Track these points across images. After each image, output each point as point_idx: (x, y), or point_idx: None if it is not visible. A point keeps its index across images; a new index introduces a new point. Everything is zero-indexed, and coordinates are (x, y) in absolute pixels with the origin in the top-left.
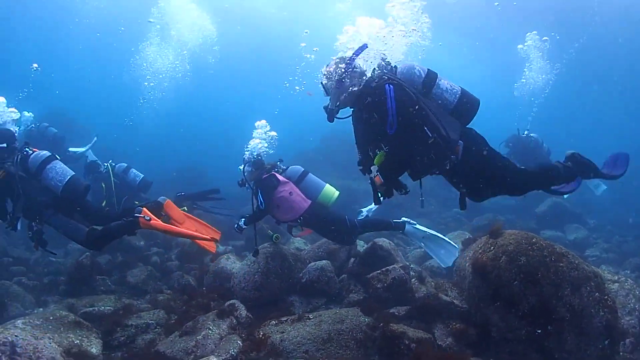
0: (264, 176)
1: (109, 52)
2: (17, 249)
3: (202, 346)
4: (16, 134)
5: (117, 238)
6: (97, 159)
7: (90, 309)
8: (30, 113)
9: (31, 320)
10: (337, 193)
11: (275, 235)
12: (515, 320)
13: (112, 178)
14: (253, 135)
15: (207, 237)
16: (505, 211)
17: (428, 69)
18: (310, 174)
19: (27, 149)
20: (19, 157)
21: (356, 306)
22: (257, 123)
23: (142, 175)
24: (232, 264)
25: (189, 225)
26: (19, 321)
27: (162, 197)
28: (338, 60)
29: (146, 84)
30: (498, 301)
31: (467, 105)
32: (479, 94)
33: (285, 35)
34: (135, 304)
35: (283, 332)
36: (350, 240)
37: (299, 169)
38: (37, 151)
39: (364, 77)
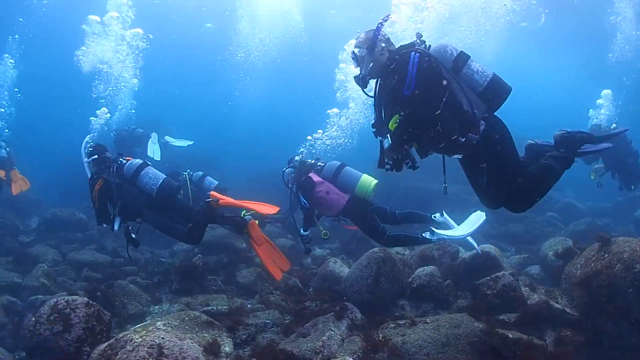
0: (302, 179)
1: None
2: (125, 249)
3: (327, 346)
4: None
5: (205, 226)
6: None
7: (209, 308)
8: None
9: (170, 322)
10: (374, 182)
11: (324, 232)
12: (627, 327)
13: (189, 186)
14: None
15: (277, 268)
16: (601, 215)
17: (461, 51)
18: (346, 167)
19: (121, 159)
20: (115, 166)
21: (465, 312)
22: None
23: (217, 182)
24: (340, 267)
25: (265, 248)
26: (159, 323)
27: (249, 216)
28: (368, 31)
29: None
30: (610, 309)
31: (496, 91)
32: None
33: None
34: (246, 303)
35: (404, 335)
36: (381, 242)
37: (335, 164)
38: (131, 160)
39: (393, 46)
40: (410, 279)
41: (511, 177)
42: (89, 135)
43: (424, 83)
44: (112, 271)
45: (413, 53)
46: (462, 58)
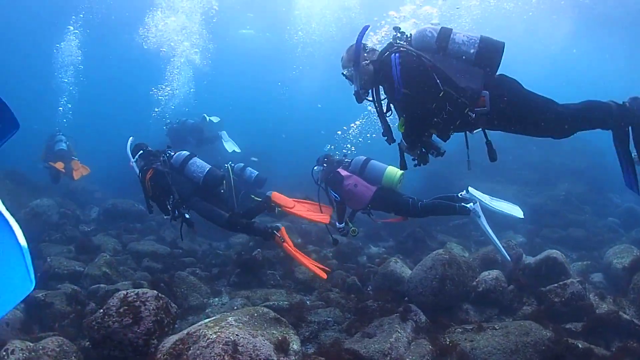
0: (330, 175)
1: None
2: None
3: (395, 348)
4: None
5: (255, 215)
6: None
7: (270, 303)
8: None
9: (240, 318)
10: (399, 173)
11: (352, 228)
12: None
13: (231, 176)
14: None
15: (319, 269)
16: None
17: (441, 27)
18: (372, 160)
19: (170, 152)
20: (163, 158)
21: (531, 319)
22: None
23: (257, 172)
24: (401, 267)
25: (299, 207)
26: (230, 318)
27: (269, 191)
28: (348, 48)
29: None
30: None
31: (489, 52)
32: None
33: None
34: (305, 299)
35: (472, 341)
36: (416, 214)
37: (361, 159)
38: (179, 152)
39: (376, 53)
40: (474, 283)
41: (539, 117)
42: (131, 138)
43: (411, 80)
44: (172, 262)
45: (393, 55)
46: (444, 35)
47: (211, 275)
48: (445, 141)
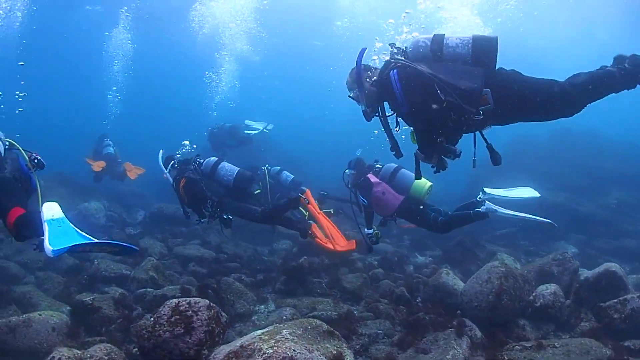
0: (360, 180)
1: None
2: (228, 245)
3: None
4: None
5: (281, 213)
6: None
7: (318, 313)
8: None
9: (294, 331)
10: (428, 184)
11: (375, 232)
12: None
13: (267, 179)
14: None
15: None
16: None
17: (434, 35)
18: (403, 169)
19: (199, 159)
20: (194, 166)
21: (590, 336)
22: None
23: (293, 176)
24: (453, 279)
25: (323, 220)
26: (285, 331)
27: (303, 187)
28: (350, 71)
29: None
30: None
31: (483, 49)
32: None
33: None
34: (352, 310)
35: None
36: (436, 230)
37: (392, 166)
38: (208, 159)
39: (377, 71)
40: (531, 297)
41: (545, 98)
42: (161, 150)
43: (413, 93)
44: (217, 267)
45: (391, 72)
46: (437, 42)
47: (256, 282)
48: (455, 144)
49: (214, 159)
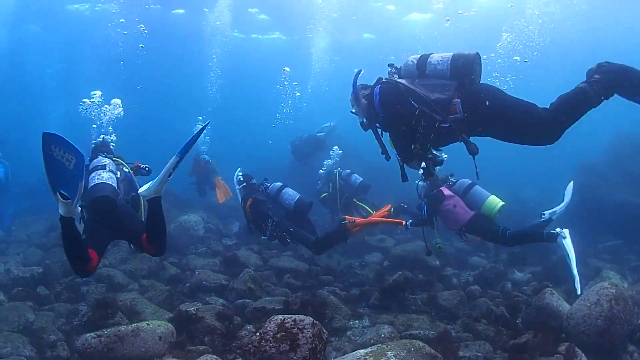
0: (434, 191)
1: None
2: (320, 257)
3: None
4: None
5: (334, 244)
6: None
7: (415, 331)
8: None
9: (398, 353)
10: (500, 204)
11: (439, 245)
12: None
13: (338, 180)
14: None
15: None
16: None
17: (420, 55)
18: (476, 186)
19: (266, 183)
20: (261, 188)
21: None
22: None
23: (362, 179)
24: (558, 300)
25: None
26: (390, 353)
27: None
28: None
29: None
30: None
31: (462, 65)
32: None
33: None
34: (449, 329)
35: None
36: (504, 243)
37: (466, 182)
38: (274, 183)
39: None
40: None
41: (518, 120)
42: (239, 168)
43: (387, 105)
44: (311, 281)
45: (376, 87)
46: (422, 61)
47: (349, 295)
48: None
49: (279, 184)
